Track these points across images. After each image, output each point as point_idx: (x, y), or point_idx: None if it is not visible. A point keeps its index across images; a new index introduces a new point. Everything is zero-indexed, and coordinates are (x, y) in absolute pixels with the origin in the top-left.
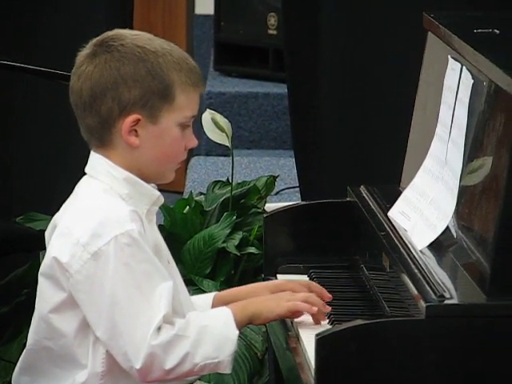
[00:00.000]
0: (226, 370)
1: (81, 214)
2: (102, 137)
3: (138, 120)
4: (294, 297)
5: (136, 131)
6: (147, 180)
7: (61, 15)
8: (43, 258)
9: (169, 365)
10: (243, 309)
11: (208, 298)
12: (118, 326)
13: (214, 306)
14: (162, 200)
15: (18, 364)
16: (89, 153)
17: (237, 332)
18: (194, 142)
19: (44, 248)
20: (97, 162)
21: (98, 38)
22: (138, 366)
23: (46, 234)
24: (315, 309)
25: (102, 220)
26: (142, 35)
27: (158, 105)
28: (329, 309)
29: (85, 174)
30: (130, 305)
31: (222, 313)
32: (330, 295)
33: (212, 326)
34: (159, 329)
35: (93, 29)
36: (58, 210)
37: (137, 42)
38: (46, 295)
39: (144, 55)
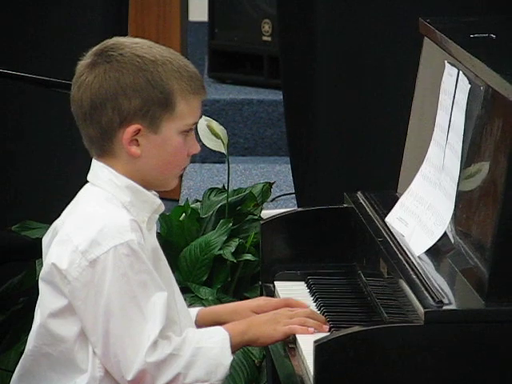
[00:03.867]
0: None
1: (81, 222)
2: (103, 146)
3: (139, 130)
4: (291, 321)
5: (137, 141)
6: (150, 187)
7: (56, 23)
8: (39, 266)
9: (159, 382)
10: (241, 334)
11: (192, 312)
12: (112, 335)
13: (197, 321)
14: (162, 208)
15: (16, 371)
16: (85, 161)
17: (231, 358)
18: (196, 148)
19: (40, 256)
20: (100, 170)
21: (97, 47)
22: (129, 378)
23: (45, 239)
24: (312, 330)
25: (102, 228)
26: (141, 43)
27: (159, 114)
28: (326, 329)
29: (81, 181)
30: (123, 315)
31: (220, 336)
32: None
33: (207, 348)
34: (155, 344)
35: (89, 36)
36: (53, 217)
37: (136, 51)
38: (47, 300)
39: (143, 64)
